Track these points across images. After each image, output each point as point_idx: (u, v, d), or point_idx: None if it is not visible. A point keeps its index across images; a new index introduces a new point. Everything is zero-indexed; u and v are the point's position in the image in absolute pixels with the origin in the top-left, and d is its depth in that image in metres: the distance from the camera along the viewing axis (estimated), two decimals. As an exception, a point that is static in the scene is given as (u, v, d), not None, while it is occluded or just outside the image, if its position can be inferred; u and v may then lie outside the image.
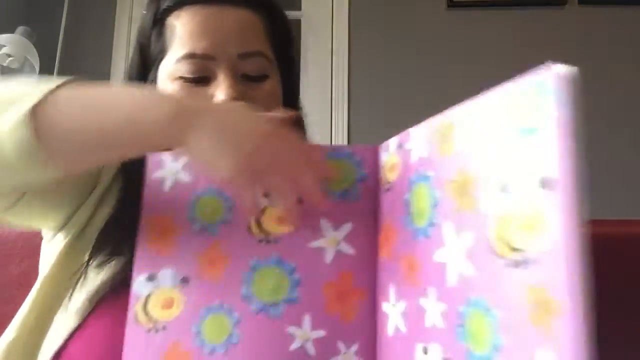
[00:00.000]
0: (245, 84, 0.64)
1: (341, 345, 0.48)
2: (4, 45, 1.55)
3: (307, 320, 0.48)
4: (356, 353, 0.48)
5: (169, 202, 0.52)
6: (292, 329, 0.48)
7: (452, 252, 0.40)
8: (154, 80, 0.66)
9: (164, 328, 0.48)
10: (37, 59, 1.58)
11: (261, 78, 0.65)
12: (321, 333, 0.48)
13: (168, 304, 0.49)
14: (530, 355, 0.32)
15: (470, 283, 0.38)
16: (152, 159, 0.53)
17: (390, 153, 0.50)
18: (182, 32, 0.63)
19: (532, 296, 0.33)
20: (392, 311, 0.47)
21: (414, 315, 0.44)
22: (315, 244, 0.50)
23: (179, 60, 0.63)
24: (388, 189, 0.49)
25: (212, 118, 0.46)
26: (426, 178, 0.44)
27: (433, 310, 0.41)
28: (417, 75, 1.91)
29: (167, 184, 0.52)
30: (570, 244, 0.30)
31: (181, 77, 0.63)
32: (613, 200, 1.77)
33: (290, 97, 0.71)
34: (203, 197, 0.52)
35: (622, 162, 1.80)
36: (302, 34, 2.01)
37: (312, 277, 0.49)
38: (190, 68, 0.63)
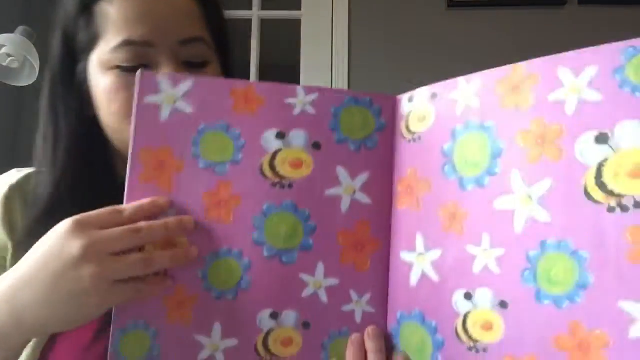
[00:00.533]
0: (188, 71, 0.61)
1: (354, 294, 0.49)
2: (4, 45, 1.55)
3: (320, 268, 0.48)
4: (368, 302, 0.49)
5: (167, 134, 0.47)
6: (304, 276, 0.48)
7: (521, 199, 0.41)
8: (84, 72, 0.62)
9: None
10: (37, 59, 1.58)
11: (203, 64, 0.62)
12: (334, 281, 0.48)
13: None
14: (631, 290, 0.36)
15: (546, 228, 0.40)
16: (143, 78, 0.48)
17: (416, 104, 0.48)
18: (117, 18, 0.59)
19: (633, 237, 0.36)
20: (418, 260, 0.46)
21: (455, 263, 0.44)
22: (332, 191, 0.48)
23: (115, 49, 0.58)
24: (413, 140, 0.48)
25: (31, 291, 0.43)
26: (484, 128, 0.44)
27: (485, 256, 0.43)
28: (417, 75, 1.91)
29: (164, 113, 0.47)
30: None
31: (118, 67, 0.58)
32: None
33: None
34: (208, 132, 0.48)
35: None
36: (302, 34, 2.01)
37: (327, 225, 0.48)
38: (128, 56, 0.58)
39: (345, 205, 0.48)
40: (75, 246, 0.42)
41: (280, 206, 0.48)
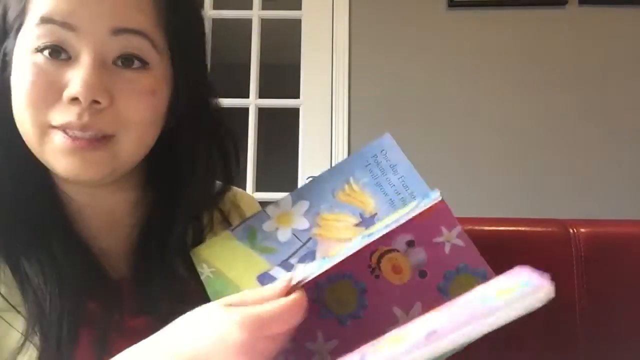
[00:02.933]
0: (115, 72, 0.49)
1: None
2: (4, 45, 1.55)
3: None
4: None
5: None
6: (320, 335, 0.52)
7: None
8: (8, 55, 0.51)
9: None
10: None
11: (138, 68, 0.50)
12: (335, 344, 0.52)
13: None
14: None
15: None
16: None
17: None
18: None
19: None
20: None
21: None
22: (396, 313, 0.50)
23: (34, 27, 0.48)
24: None
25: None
26: None
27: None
28: (417, 75, 1.91)
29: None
30: None
31: (38, 50, 0.48)
32: (613, 200, 1.77)
33: (194, 103, 0.56)
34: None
35: (621, 162, 1.80)
36: (302, 34, 2.01)
37: (372, 327, 0.51)
38: (45, 36, 0.48)
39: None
40: (240, 337, 0.39)
41: (354, 282, 0.51)
